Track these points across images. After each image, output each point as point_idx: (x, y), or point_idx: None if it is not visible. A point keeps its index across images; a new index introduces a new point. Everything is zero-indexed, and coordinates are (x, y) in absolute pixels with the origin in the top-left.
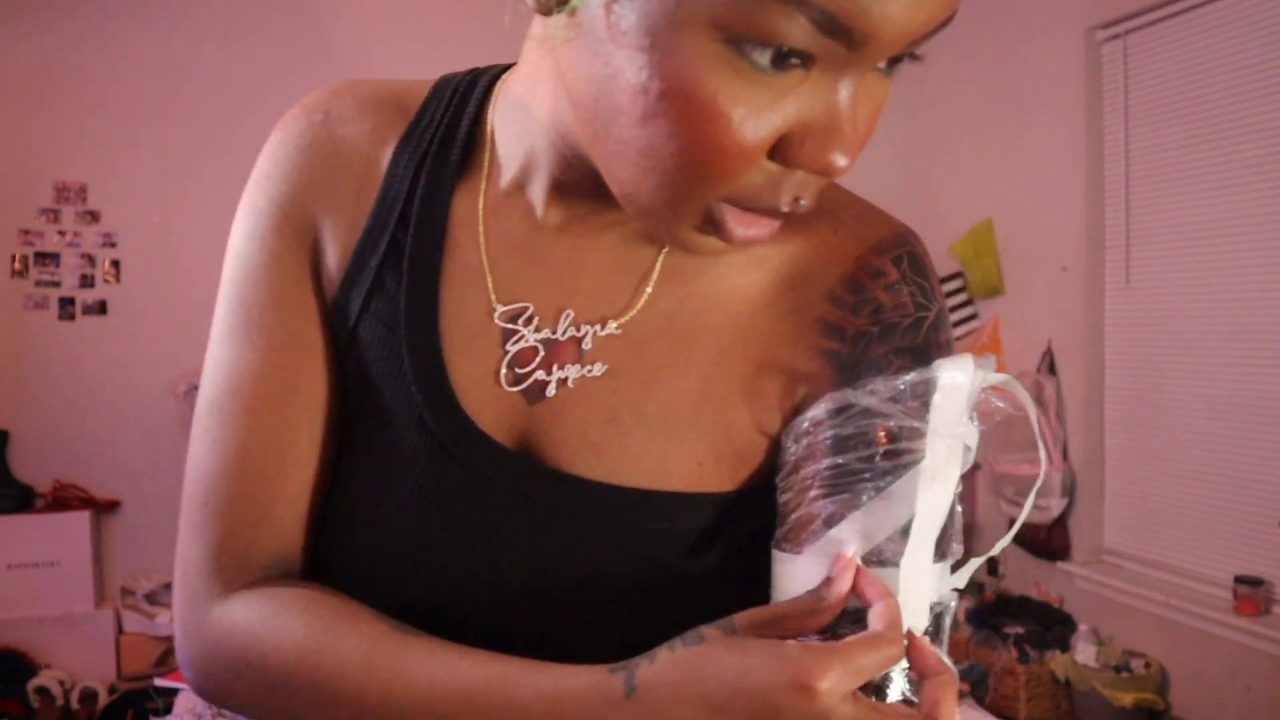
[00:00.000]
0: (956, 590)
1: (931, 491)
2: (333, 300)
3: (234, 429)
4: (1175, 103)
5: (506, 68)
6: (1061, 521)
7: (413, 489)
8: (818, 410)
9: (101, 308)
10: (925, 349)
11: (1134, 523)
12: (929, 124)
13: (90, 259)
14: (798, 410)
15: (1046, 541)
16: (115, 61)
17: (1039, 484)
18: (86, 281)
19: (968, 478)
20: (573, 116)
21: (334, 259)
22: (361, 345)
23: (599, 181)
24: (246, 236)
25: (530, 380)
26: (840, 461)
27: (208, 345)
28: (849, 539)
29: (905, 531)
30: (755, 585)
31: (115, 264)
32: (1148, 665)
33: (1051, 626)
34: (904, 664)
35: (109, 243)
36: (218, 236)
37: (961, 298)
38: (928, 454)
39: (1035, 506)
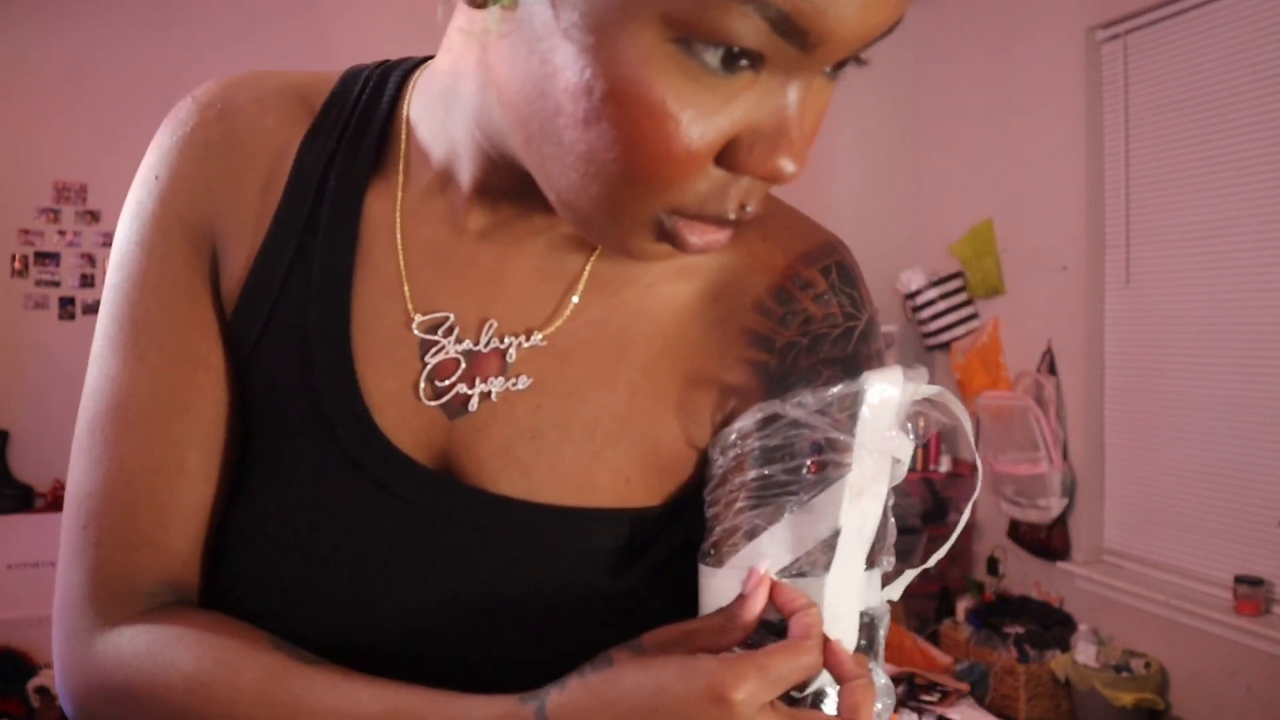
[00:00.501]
0: (890, 601)
1: (858, 505)
2: (233, 311)
3: (117, 448)
4: (1175, 102)
5: (421, 60)
6: (1061, 521)
7: (323, 510)
8: (745, 421)
9: None
10: (855, 359)
11: (1134, 523)
12: (929, 124)
13: (90, 259)
14: (726, 422)
15: (1046, 541)
16: (115, 61)
17: (975, 496)
18: (86, 281)
19: (968, 477)
20: (502, 117)
21: (235, 267)
22: (266, 359)
23: (526, 185)
24: (133, 241)
25: (451, 394)
26: (766, 473)
27: (90, 356)
28: (770, 552)
29: (831, 544)
30: (683, 602)
31: None
32: (1148, 665)
33: (1051, 626)
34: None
35: (109, 243)
36: None
37: (961, 298)
38: (854, 468)
39: (1035, 507)
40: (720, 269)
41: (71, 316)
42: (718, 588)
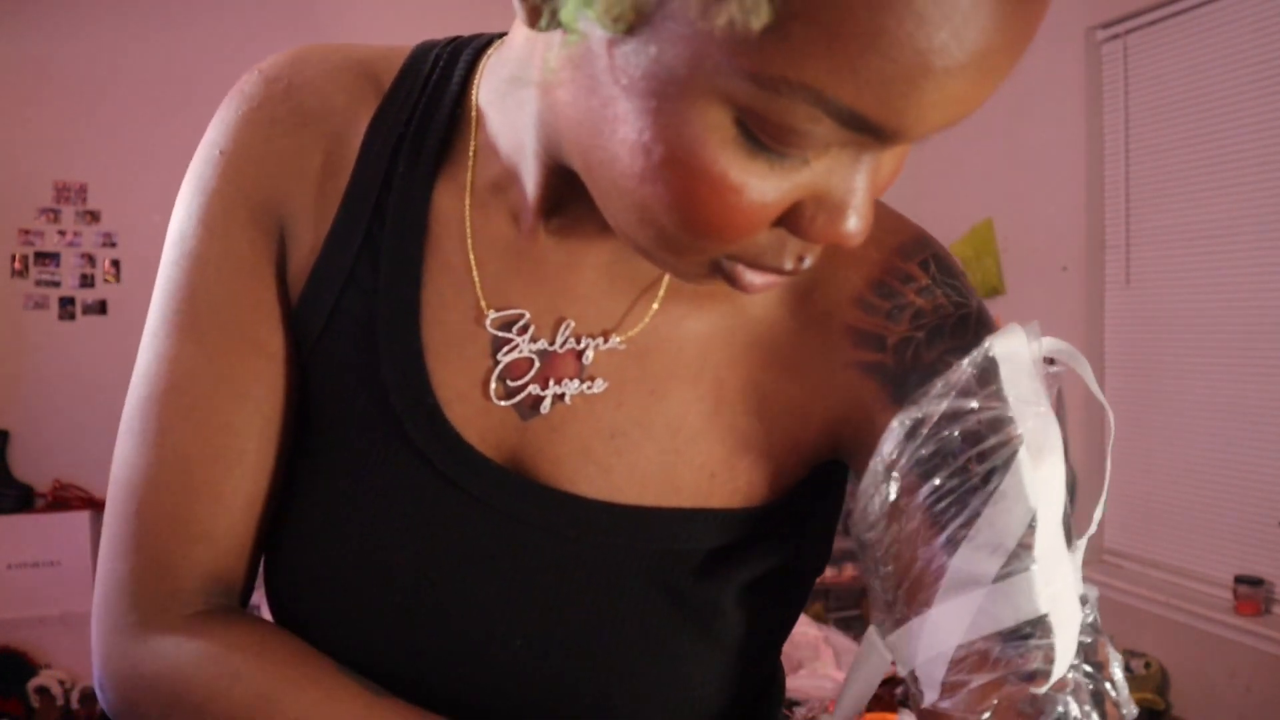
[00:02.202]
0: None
1: (1041, 473)
2: (299, 297)
3: (172, 433)
4: (1175, 103)
5: (494, 37)
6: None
7: (387, 505)
8: (888, 444)
9: (101, 308)
10: (980, 343)
11: (1134, 523)
12: None
13: (90, 259)
14: (843, 429)
15: None
16: (115, 61)
17: (1110, 446)
18: (86, 281)
19: None
20: (561, 135)
21: (300, 250)
22: (330, 348)
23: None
24: (195, 218)
25: (523, 394)
26: (936, 485)
27: (143, 335)
28: (977, 558)
29: (1033, 526)
30: (768, 616)
31: (115, 264)
32: (1148, 665)
33: None
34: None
35: (109, 243)
36: None
37: None
38: (1023, 433)
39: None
40: (811, 265)
41: (71, 316)
42: (934, 628)
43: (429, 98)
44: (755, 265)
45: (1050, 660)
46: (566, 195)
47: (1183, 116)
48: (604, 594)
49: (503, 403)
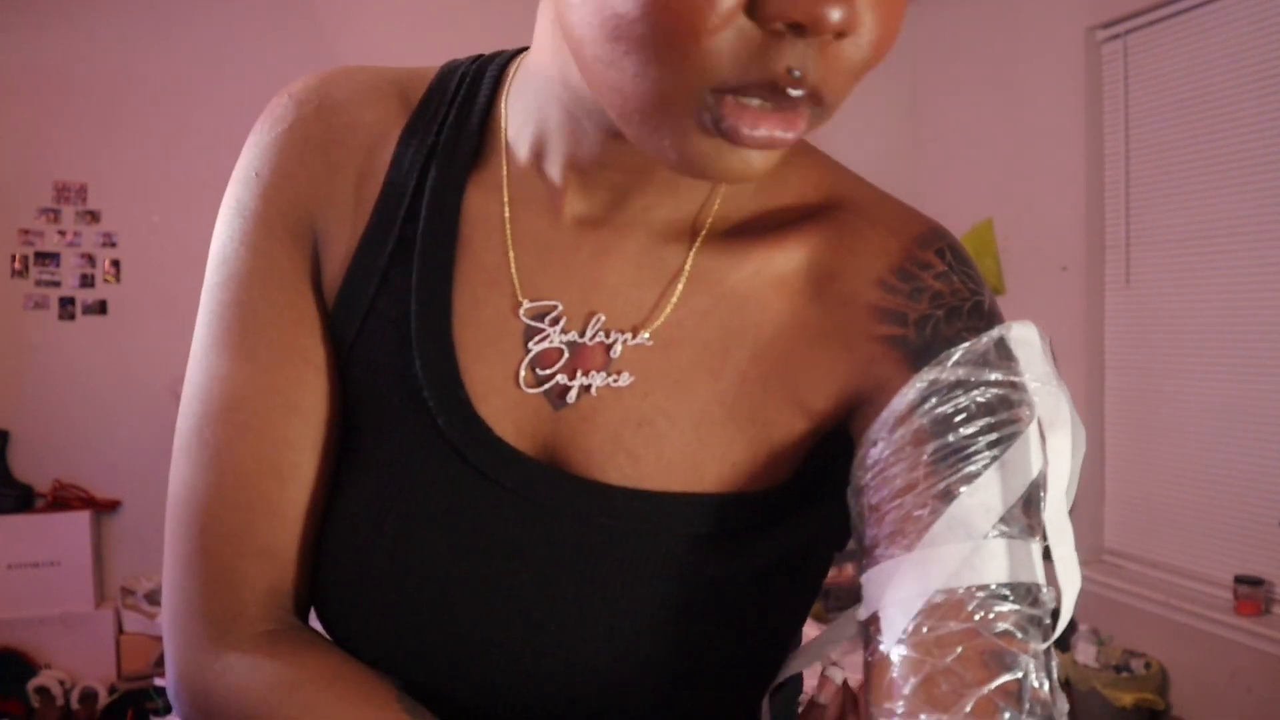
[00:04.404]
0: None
1: (1051, 444)
2: (334, 303)
3: (230, 450)
4: (1175, 103)
5: (516, 53)
6: None
7: (424, 501)
8: (902, 399)
9: (101, 308)
10: (992, 326)
11: (1134, 523)
12: (929, 123)
13: (90, 259)
14: (857, 400)
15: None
16: (115, 62)
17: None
18: (86, 281)
19: None
20: (573, 59)
21: (334, 260)
22: (367, 350)
23: (616, 156)
24: (236, 239)
25: (551, 383)
26: (949, 440)
27: (190, 356)
28: (972, 516)
29: (1030, 500)
30: (794, 598)
31: (115, 264)
32: (1148, 665)
33: None
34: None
35: (109, 243)
36: None
37: None
38: (1036, 403)
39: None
40: (831, 253)
41: (71, 316)
42: (912, 570)
43: (459, 109)
44: (745, 89)
45: (1020, 627)
46: (592, 158)
47: (1183, 116)
48: (634, 580)
49: (531, 390)
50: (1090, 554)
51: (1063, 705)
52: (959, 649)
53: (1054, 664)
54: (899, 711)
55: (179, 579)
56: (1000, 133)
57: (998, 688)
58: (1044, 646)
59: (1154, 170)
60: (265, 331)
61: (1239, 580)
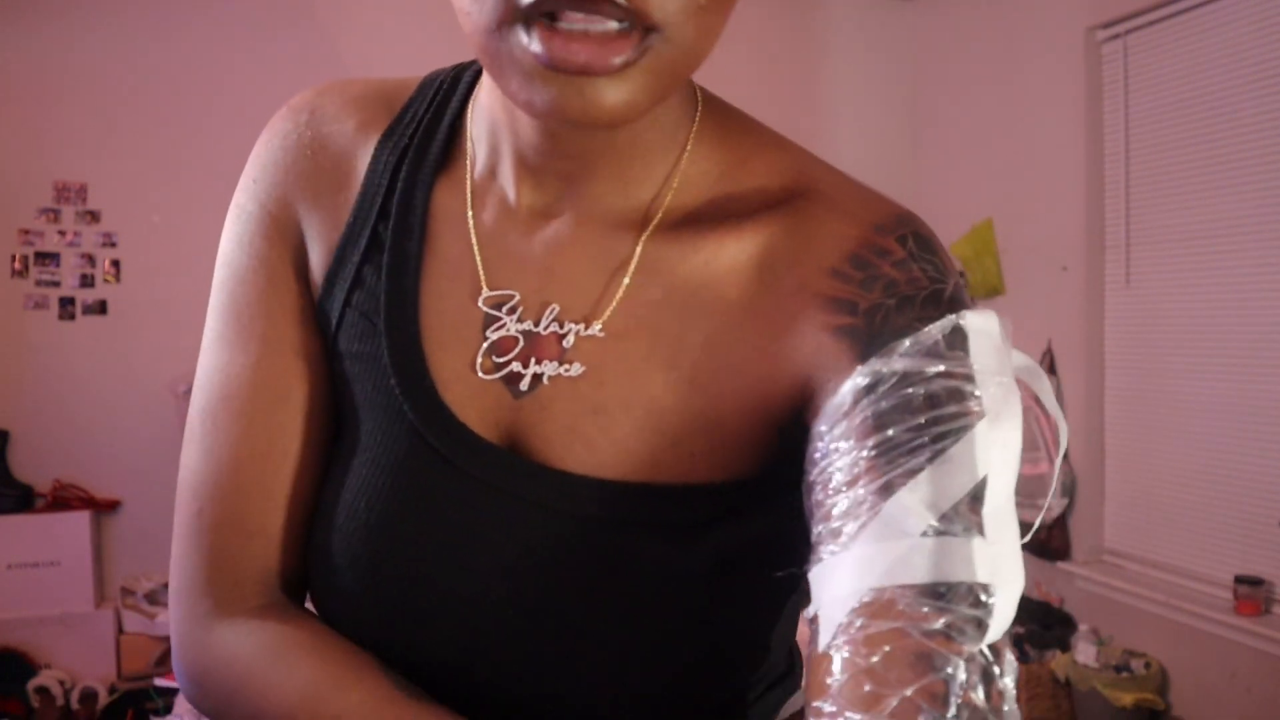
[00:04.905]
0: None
1: (996, 437)
2: (318, 298)
3: (229, 435)
4: (1175, 103)
5: None
6: (1061, 521)
7: (390, 484)
8: (846, 390)
9: (101, 308)
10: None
11: (1134, 523)
12: (929, 124)
13: (90, 259)
14: (807, 391)
15: (1046, 541)
16: (116, 61)
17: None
18: (86, 281)
19: None
20: None
21: (320, 256)
22: (345, 341)
23: (552, 139)
24: (234, 240)
25: (506, 370)
26: (889, 435)
27: (200, 351)
28: (912, 511)
29: (976, 497)
30: (757, 586)
31: (115, 264)
32: (1148, 665)
33: (1051, 626)
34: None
35: (109, 243)
36: (218, 237)
37: None
38: (983, 395)
39: (1034, 507)
40: (787, 241)
41: (71, 316)
42: (849, 567)
43: (433, 114)
44: (558, 12)
45: (954, 628)
46: (538, 153)
47: (1183, 116)
48: (593, 566)
49: (488, 377)
50: (1090, 554)
51: (1013, 711)
52: (886, 648)
53: (1002, 668)
54: (826, 710)
55: (183, 558)
56: (1000, 133)
57: (922, 689)
58: (979, 648)
59: (1154, 170)
60: (258, 325)
61: (1239, 580)
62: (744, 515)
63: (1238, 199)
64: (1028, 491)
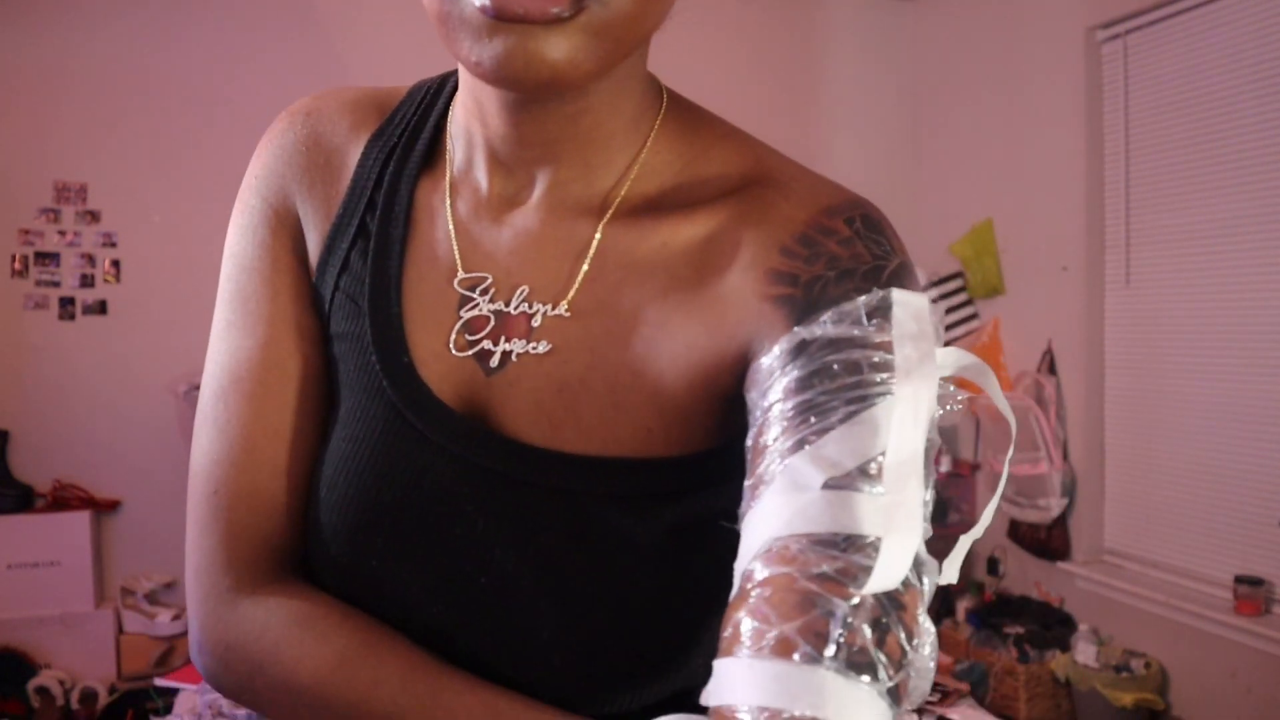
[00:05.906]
0: (951, 583)
1: (908, 389)
2: (313, 284)
3: (239, 417)
4: (1175, 103)
5: None
6: (1061, 521)
7: (370, 458)
8: (775, 352)
9: (101, 308)
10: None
11: (1134, 523)
12: (929, 124)
13: (90, 259)
14: (747, 360)
15: (1046, 541)
16: (116, 62)
17: (1010, 455)
18: (86, 281)
19: (967, 477)
20: None
21: (313, 244)
22: (336, 323)
23: (516, 126)
24: (239, 232)
25: (478, 348)
26: (806, 398)
27: (209, 340)
28: (817, 465)
29: (884, 455)
30: (717, 557)
31: (115, 264)
32: (1148, 665)
33: (1051, 626)
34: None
35: (109, 243)
36: (217, 236)
37: (961, 298)
38: (896, 354)
39: (1035, 507)
40: (740, 223)
41: (71, 316)
42: (758, 519)
43: (419, 115)
44: None
45: (845, 574)
46: (506, 142)
47: (1183, 116)
48: (558, 536)
49: (461, 354)
50: (1090, 554)
51: (922, 661)
52: (772, 590)
53: (906, 624)
54: (719, 651)
55: (200, 538)
56: (1000, 132)
57: (804, 625)
58: (869, 594)
59: (1154, 170)
60: (264, 309)
61: (1239, 580)
62: (702, 488)
63: (1238, 199)
64: (1028, 491)
